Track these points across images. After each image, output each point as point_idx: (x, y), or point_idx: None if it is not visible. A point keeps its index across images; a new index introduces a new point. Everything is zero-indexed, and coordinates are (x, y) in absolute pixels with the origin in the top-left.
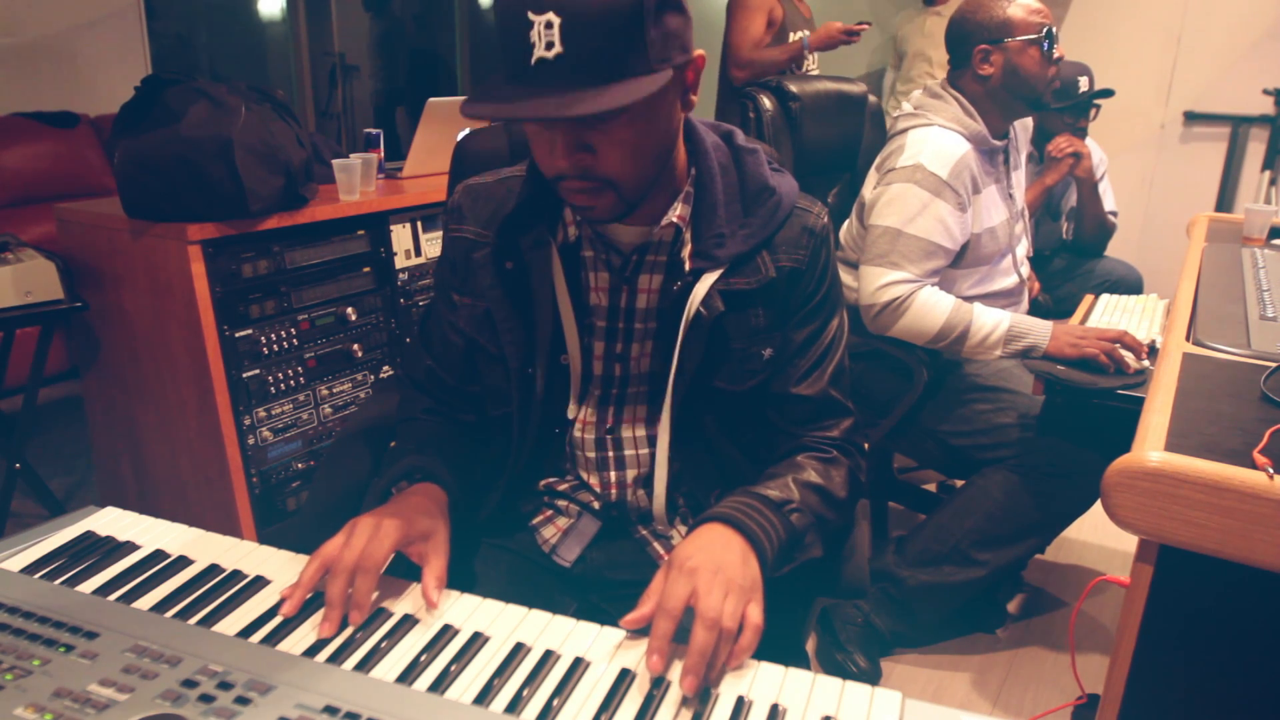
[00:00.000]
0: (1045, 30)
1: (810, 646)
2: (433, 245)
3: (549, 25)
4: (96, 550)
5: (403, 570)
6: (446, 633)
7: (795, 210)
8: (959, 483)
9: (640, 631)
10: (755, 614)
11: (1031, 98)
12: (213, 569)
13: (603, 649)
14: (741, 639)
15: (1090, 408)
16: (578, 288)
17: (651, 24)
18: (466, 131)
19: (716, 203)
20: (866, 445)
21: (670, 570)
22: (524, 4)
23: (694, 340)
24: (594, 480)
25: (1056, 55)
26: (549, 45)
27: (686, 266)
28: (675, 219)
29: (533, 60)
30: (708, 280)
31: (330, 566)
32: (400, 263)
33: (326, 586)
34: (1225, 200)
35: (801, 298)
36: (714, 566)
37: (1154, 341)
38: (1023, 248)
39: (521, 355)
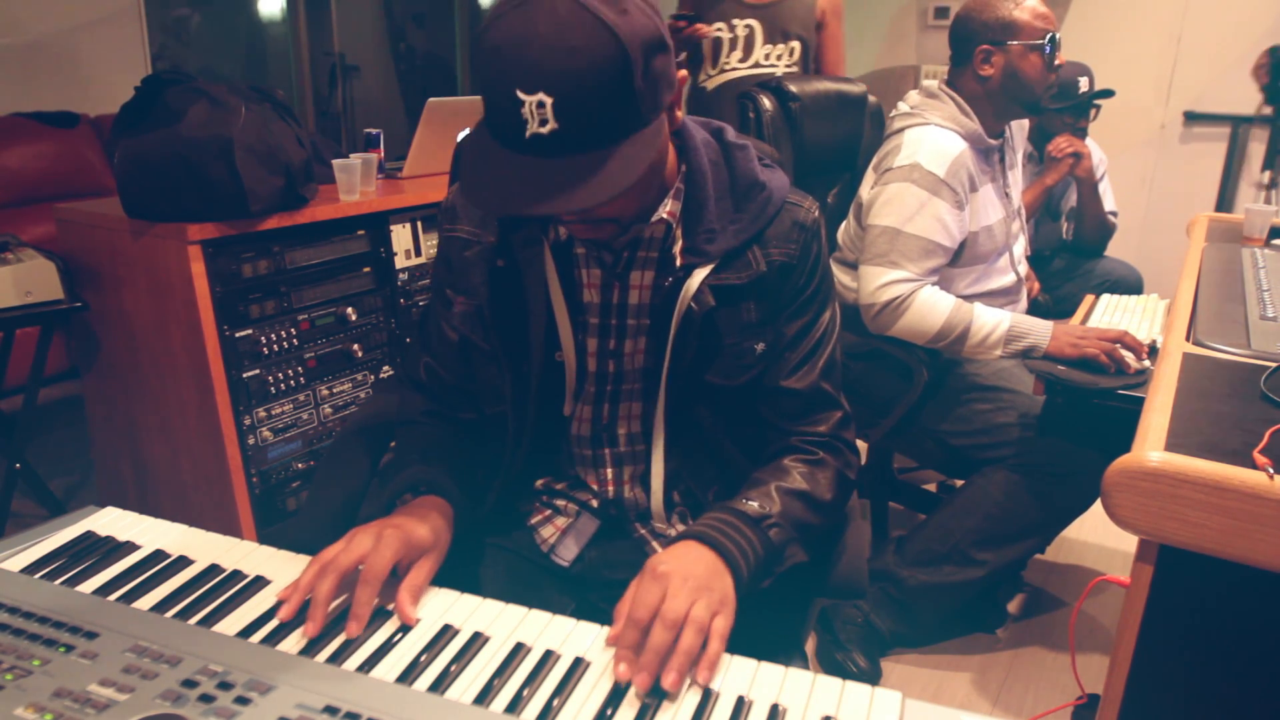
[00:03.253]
0: (1049, 37)
1: (810, 646)
2: (433, 245)
3: (541, 104)
4: (96, 550)
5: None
6: (446, 633)
7: (786, 205)
8: (959, 483)
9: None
10: (721, 624)
11: (1028, 102)
12: (213, 569)
13: (603, 649)
14: (709, 649)
15: (1090, 408)
16: (570, 285)
17: (640, 78)
18: (466, 131)
19: (706, 198)
20: (860, 442)
21: (642, 578)
22: (511, 83)
23: (686, 335)
24: (591, 478)
25: (1058, 63)
26: (543, 122)
27: (678, 262)
28: (666, 215)
29: (527, 134)
30: (699, 275)
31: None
32: (400, 263)
33: (315, 586)
34: (1225, 200)
35: (793, 291)
36: (684, 574)
37: (1154, 341)
38: (1020, 246)
39: (515, 353)
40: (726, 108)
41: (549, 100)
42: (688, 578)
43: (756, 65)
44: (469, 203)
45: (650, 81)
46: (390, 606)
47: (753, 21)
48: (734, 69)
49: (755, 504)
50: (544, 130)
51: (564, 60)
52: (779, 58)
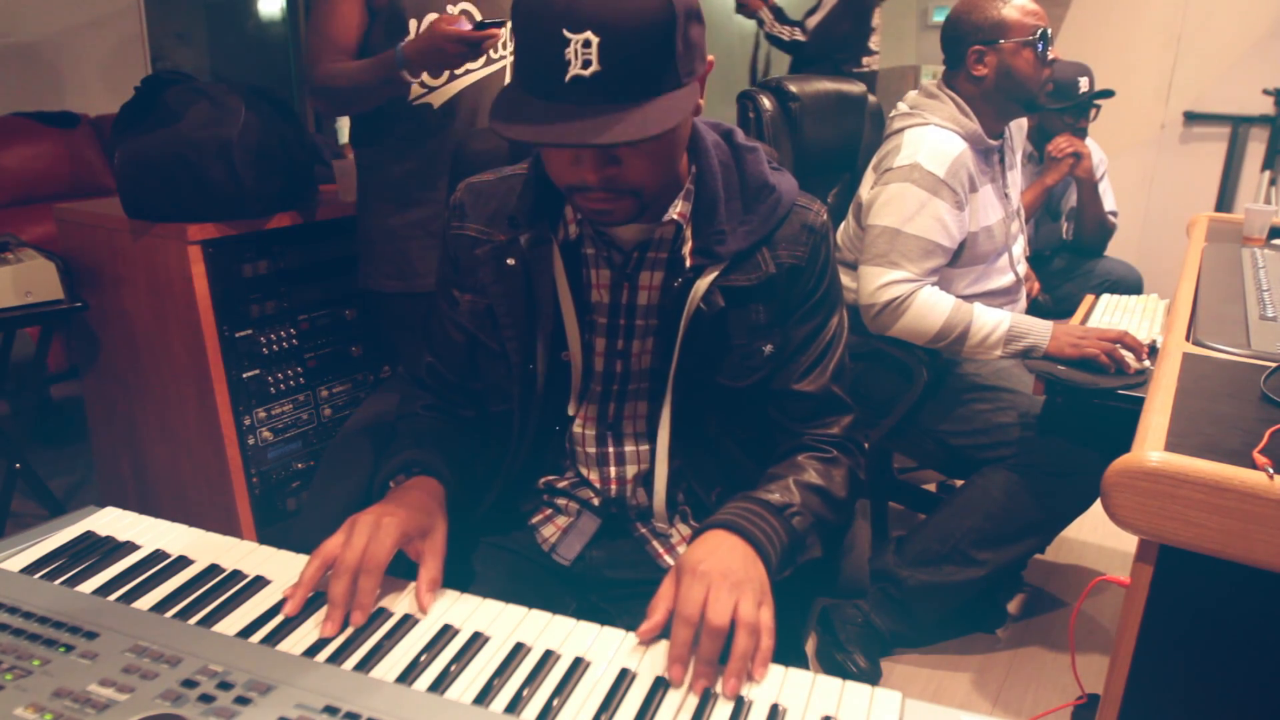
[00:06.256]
0: (1040, 32)
1: (810, 646)
2: None
3: (586, 44)
4: (96, 550)
5: (403, 570)
6: (446, 633)
7: (795, 207)
8: (959, 483)
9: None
10: (767, 617)
11: (1025, 99)
12: (213, 569)
13: (603, 649)
14: (761, 645)
15: (1090, 408)
16: (579, 285)
17: (681, 39)
18: None
19: (717, 200)
20: (866, 444)
21: (683, 576)
22: (559, 21)
23: (695, 337)
24: (594, 476)
25: (1051, 57)
26: (586, 64)
27: (687, 263)
28: (676, 216)
29: (567, 77)
30: (708, 277)
31: (332, 565)
32: None
33: (330, 586)
34: (1225, 200)
35: (802, 294)
36: (723, 570)
37: (1154, 341)
38: (1019, 246)
39: (523, 352)
40: (466, 121)
41: (595, 40)
42: (727, 573)
43: (490, 62)
44: (502, 134)
45: (689, 46)
46: (394, 605)
47: (469, 6)
48: (470, 72)
49: (776, 495)
50: (585, 72)
51: (614, 2)
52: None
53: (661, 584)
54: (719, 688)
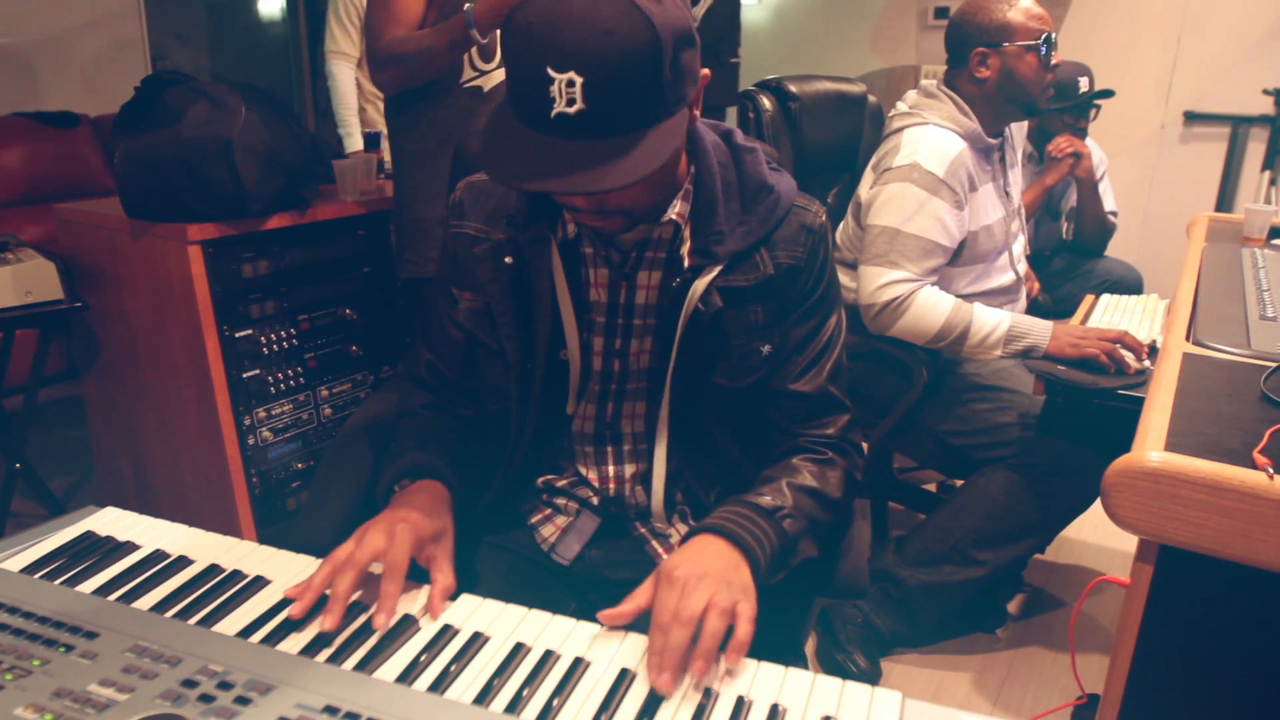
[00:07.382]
0: (1044, 37)
1: (810, 646)
2: None
3: (570, 84)
4: (96, 550)
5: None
6: (446, 633)
7: (793, 208)
8: (959, 483)
9: (635, 627)
10: (746, 608)
11: (1026, 103)
12: (213, 569)
13: (603, 649)
14: (737, 631)
15: (1090, 408)
16: (577, 283)
17: (669, 69)
18: None
19: (715, 200)
20: (865, 445)
21: (660, 581)
22: (543, 60)
23: (693, 336)
24: (592, 475)
25: (1054, 63)
26: (570, 102)
27: (685, 263)
28: (674, 216)
29: (552, 114)
30: (706, 277)
31: (340, 566)
32: None
33: (334, 582)
34: (1225, 200)
35: (800, 295)
36: (699, 572)
37: (1154, 341)
38: (1019, 245)
39: (521, 350)
40: None
41: (579, 80)
42: (704, 575)
43: None
44: (488, 175)
45: (677, 73)
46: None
47: None
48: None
49: (768, 498)
50: (570, 110)
51: (598, 41)
52: None
53: (643, 583)
54: (693, 669)
